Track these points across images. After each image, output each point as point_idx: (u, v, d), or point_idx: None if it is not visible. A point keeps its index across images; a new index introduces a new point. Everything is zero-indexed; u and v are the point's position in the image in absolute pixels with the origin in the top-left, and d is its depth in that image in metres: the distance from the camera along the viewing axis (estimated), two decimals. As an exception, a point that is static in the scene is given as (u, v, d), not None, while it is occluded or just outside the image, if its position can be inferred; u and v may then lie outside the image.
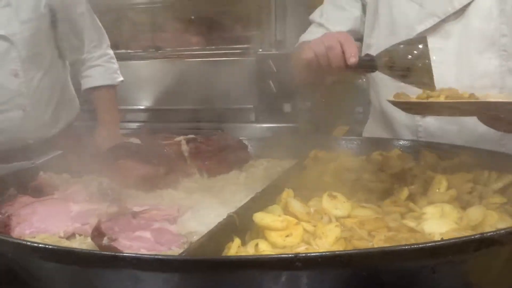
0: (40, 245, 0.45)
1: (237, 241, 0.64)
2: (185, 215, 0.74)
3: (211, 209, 0.80)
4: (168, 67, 2.14)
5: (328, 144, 1.21)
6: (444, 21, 1.13)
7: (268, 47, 2.03)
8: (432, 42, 1.14)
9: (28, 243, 0.47)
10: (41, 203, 0.77)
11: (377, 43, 1.25)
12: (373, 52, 1.24)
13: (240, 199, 0.86)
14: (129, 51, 2.28)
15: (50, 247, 0.44)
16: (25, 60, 1.39)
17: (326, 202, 0.81)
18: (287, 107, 1.90)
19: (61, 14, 1.48)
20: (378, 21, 1.25)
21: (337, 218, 0.77)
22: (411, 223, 0.74)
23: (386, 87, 1.21)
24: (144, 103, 2.19)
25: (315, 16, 1.32)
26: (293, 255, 0.41)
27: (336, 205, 0.81)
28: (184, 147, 1.03)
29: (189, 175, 1.01)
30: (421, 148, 1.05)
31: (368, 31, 1.28)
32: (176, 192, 0.92)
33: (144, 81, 2.23)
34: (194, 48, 2.19)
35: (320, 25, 1.29)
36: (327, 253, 0.44)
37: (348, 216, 0.79)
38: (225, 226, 0.66)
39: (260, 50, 2.00)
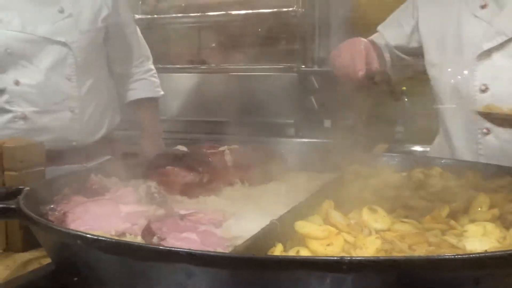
0: (101, 238, 0.49)
1: (279, 247, 0.66)
2: (228, 221, 0.77)
3: (254, 217, 0.83)
4: (211, 81, 2.19)
5: (368, 160, 1.22)
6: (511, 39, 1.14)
7: (310, 64, 2.06)
8: (499, 60, 1.15)
9: (90, 236, 0.50)
10: (93, 203, 0.82)
11: (442, 62, 1.27)
12: (438, 71, 1.27)
13: (281, 208, 0.88)
14: (176, 66, 2.36)
15: (111, 240, 0.48)
16: (80, 66, 1.51)
17: (366, 215, 0.83)
18: (327, 123, 1.92)
19: (114, 29, 1.61)
20: (443, 39, 1.27)
21: (377, 231, 0.79)
22: (452, 240, 0.74)
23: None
24: (187, 115, 2.25)
25: (380, 26, 1.43)
26: (339, 258, 0.43)
27: (376, 219, 0.82)
28: (228, 157, 1.07)
29: (231, 184, 1.04)
30: (464, 167, 1.05)
31: (431, 50, 1.31)
32: (218, 199, 0.95)
33: (187, 93, 2.29)
34: (239, 64, 2.24)
35: (381, 36, 1.39)
36: (372, 257, 0.45)
37: (388, 230, 0.80)
38: (268, 232, 0.68)
39: (303, 66, 2.03)
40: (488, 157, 1.17)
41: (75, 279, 0.50)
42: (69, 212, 0.78)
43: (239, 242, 0.70)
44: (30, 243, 0.97)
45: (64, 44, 1.47)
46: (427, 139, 2.38)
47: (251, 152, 1.10)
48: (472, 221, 0.82)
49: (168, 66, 2.25)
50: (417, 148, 2.25)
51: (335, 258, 0.43)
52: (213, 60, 2.29)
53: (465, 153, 1.23)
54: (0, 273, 0.87)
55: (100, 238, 0.49)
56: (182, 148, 1.04)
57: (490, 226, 0.78)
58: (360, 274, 0.44)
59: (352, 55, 1.21)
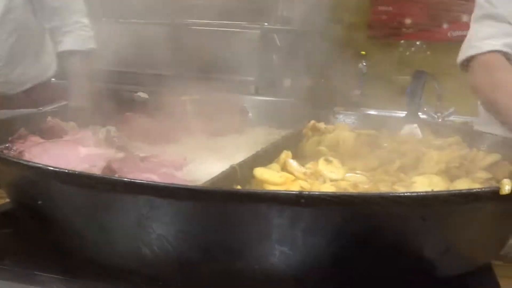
0: (65, 170, 0.49)
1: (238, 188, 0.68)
2: (189, 166, 0.78)
3: (214, 163, 0.84)
4: (173, 33, 2.15)
5: (325, 117, 1.25)
6: None
7: (273, 22, 2.05)
8: None
9: (53, 168, 0.50)
10: (51, 144, 0.81)
11: None
12: None
13: (241, 157, 0.90)
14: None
15: (76, 171, 0.48)
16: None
17: (322, 166, 0.86)
18: (287, 82, 1.93)
19: None
20: None
21: (331, 181, 0.82)
22: (402, 189, 0.79)
23: None
24: (145, 68, 2.20)
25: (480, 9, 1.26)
26: (298, 192, 0.45)
27: (331, 169, 0.85)
28: (188, 106, 1.07)
29: (190, 134, 1.05)
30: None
31: None
32: (178, 147, 0.96)
33: (146, 46, 2.24)
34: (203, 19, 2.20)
35: (490, 16, 1.24)
36: (329, 192, 0.48)
37: (342, 180, 0.83)
38: (228, 176, 0.70)
39: (266, 24, 2.02)
40: None
41: (39, 202, 0.50)
42: (25, 152, 0.77)
43: (197, 184, 0.72)
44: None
45: None
46: (382, 104, 2.46)
47: (212, 103, 1.11)
48: (421, 174, 0.87)
49: (132, 20, 2.19)
50: (372, 112, 2.31)
51: (295, 192, 0.45)
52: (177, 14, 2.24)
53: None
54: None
55: (64, 170, 0.49)
56: (143, 95, 1.03)
57: (436, 179, 0.83)
58: (316, 209, 0.46)
59: None
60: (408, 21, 2.82)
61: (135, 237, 0.52)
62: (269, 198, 0.46)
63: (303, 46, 2.13)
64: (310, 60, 2.12)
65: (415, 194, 0.48)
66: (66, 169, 0.50)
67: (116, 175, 0.65)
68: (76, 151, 0.81)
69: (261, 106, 1.37)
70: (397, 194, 0.46)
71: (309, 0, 2.05)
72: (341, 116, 1.24)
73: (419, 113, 1.14)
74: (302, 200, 0.45)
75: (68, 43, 1.78)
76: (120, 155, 0.80)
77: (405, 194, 0.47)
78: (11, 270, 0.58)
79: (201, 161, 0.85)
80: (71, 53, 1.79)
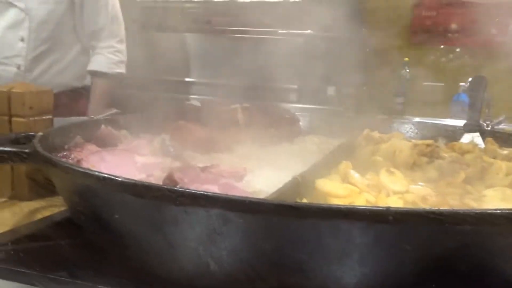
0: (134, 181, 0.47)
1: (304, 201, 0.65)
2: (248, 176, 0.76)
3: (272, 173, 0.82)
4: (216, 42, 2.15)
5: (377, 125, 1.21)
6: None
7: (317, 29, 2.02)
8: None
9: (123, 178, 0.48)
10: (108, 152, 0.80)
11: None
12: None
13: (297, 167, 0.88)
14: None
15: (145, 183, 0.46)
16: (34, 31, 1.77)
17: (384, 177, 0.82)
18: (330, 90, 1.90)
19: (79, 2, 1.83)
20: None
21: (395, 193, 0.78)
22: (473, 203, 0.74)
23: None
24: (190, 75, 2.20)
25: None
26: (385, 208, 0.42)
27: (394, 181, 0.81)
28: (240, 115, 1.05)
29: (241, 143, 1.03)
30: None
31: None
32: (231, 157, 0.94)
33: (191, 54, 2.25)
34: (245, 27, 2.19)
35: None
36: (419, 209, 0.44)
37: (406, 192, 0.79)
38: (291, 188, 0.67)
39: (310, 30, 2.00)
40: None
41: (116, 217, 0.48)
42: (83, 160, 0.76)
43: (261, 196, 0.69)
44: (36, 192, 0.95)
45: (22, 9, 1.72)
46: (427, 111, 2.39)
47: (263, 111, 1.08)
48: (489, 186, 0.82)
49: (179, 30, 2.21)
50: (417, 120, 2.25)
51: (382, 208, 0.42)
52: (219, 21, 2.24)
53: None
54: (8, 219, 0.85)
55: (133, 180, 0.48)
56: (195, 103, 1.02)
57: (509, 191, 0.78)
58: (404, 225, 0.43)
59: None
60: (453, 26, 2.74)
61: (205, 252, 0.49)
62: (354, 214, 0.42)
63: (346, 53, 2.09)
64: (353, 67, 2.08)
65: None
66: (140, 181, 0.48)
67: (178, 186, 0.63)
68: (132, 160, 0.80)
69: (307, 115, 1.34)
70: (496, 212, 0.42)
71: (351, 6, 2.01)
72: (395, 124, 1.20)
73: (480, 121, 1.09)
74: (390, 217, 0.42)
75: (96, 64, 1.88)
76: (176, 164, 0.78)
77: (502, 211, 0.43)
78: (70, 281, 0.57)
79: (257, 171, 0.82)
80: (96, 73, 1.88)
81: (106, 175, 0.49)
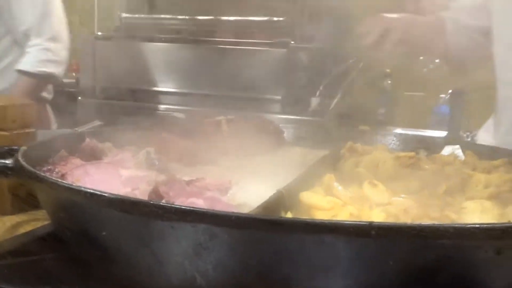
0: (121, 197, 0.47)
1: (289, 215, 0.66)
2: (232, 189, 0.76)
3: (256, 186, 0.83)
4: (198, 52, 2.16)
5: (359, 137, 1.22)
6: None
7: (300, 40, 2.04)
8: None
9: (109, 194, 0.49)
10: (92, 166, 0.79)
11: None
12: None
13: (280, 179, 0.88)
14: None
15: (132, 198, 0.47)
16: None
17: (367, 189, 0.83)
18: (314, 101, 1.92)
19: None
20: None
21: (377, 205, 0.79)
22: (453, 215, 0.76)
23: None
24: (170, 86, 2.20)
25: None
26: (368, 223, 0.43)
27: (377, 193, 0.83)
28: (224, 127, 1.06)
29: (226, 154, 1.03)
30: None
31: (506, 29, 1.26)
32: (216, 169, 0.94)
33: (172, 65, 2.25)
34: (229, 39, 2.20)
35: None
36: (401, 223, 0.45)
37: (388, 204, 0.81)
38: (276, 200, 0.68)
39: (292, 42, 2.02)
40: None
41: (103, 233, 0.48)
42: (67, 174, 0.76)
43: (246, 209, 0.70)
44: (18, 206, 0.94)
45: None
46: (408, 122, 2.42)
47: (247, 123, 1.09)
48: (469, 198, 0.84)
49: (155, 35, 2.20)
50: (399, 130, 2.28)
51: (365, 222, 0.43)
52: (201, 32, 2.25)
53: None
54: (-10, 234, 0.84)
55: (120, 196, 0.48)
56: (178, 115, 1.02)
57: (487, 204, 0.80)
58: (387, 240, 0.44)
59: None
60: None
61: (191, 267, 0.49)
62: (338, 229, 0.43)
63: (329, 64, 2.12)
64: (336, 78, 2.11)
65: (491, 226, 0.45)
66: (128, 197, 0.48)
67: (164, 201, 0.63)
68: (117, 174, 0.80)
69: (291, 126, 1.35)
70: (474, 226, 0.43)
71: (335, 17, 2.04)
72: (378, 136, 1.22)
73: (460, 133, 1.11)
74: (373, 232, 0.43)
75: (22, 63, 1.84)
76: (162, 177, 0.78)
77: (481, 226, 0.44)
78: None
79: (242, 184, 0.83)
80: (20, 72, 1.83)
81: (92, 191, 0.49)
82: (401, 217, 0.72)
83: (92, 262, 0.57)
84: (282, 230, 0.43)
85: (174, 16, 2.28)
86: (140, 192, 0.76)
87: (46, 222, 0.85)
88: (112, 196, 0.48)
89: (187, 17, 2.30)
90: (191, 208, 0.45)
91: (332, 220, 0.45)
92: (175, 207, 0.45)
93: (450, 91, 1.46)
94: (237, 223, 0.43)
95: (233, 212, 0.46)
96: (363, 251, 0.45)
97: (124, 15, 2.32)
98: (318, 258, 0.46)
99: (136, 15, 2.33)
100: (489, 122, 1.38)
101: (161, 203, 0.45)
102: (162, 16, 2.32)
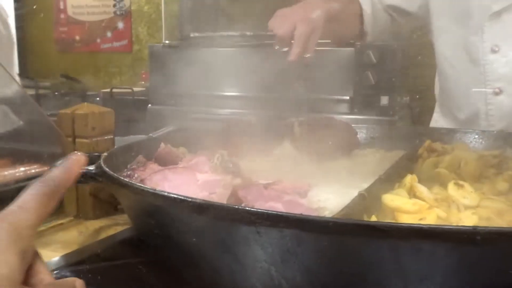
0: (212, 203, 0.47)
1: (374, 218, 0.63)
2: (311, 191, 0.74)
3: (333, 189, 0.80)
4: (265, 55, 2.15)
5: (437, 136, 1.17)
6: None
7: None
8: (510, 20, 1.13)
9: (200, 201, 0.48)
10: (170, 171, 0.80)
11: (450, 25, 1.26)
12: (446, 36, 1.24)
13: (358, 182, 0.85)
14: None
15: (224, 205, 0.46)
16: None
17: (453, 190, 0.78)
18: (384, 100, 1.86)
19: None
20: (451, 2, 1.25)
21: (466, 208, 0.74)
22: (554, 218, 0.69)
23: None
24: (238, 90, 2.22)
25: None
26: (472, 227, 0.39)
27: (464, 195, 0.78)
28: (297, 129, 1.04)
29: (300, 157, 1.01)
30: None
31: (439, 13, 1.28)
32: (291, 171, 0.93)
33: (237, 68, 2.26)
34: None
35: None
36: (507, 228, 0.42)
37: (477, 207, 0.75)
38: (358, 204, 0.65)
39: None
40: (499, 117, 1.20)
41: (188, 239, 0.48)
42: (146, 180, 0.77)
43: (327, 213, 0.68)
44: (100, 211, 0.97)
45: None
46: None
47: (320, 125, 1.07)
48: None
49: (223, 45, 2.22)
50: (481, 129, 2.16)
51: (468, 227, 0.40)
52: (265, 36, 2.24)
53: (472, 119, 1.25)
54: (75, 238, 0.87)
55: (210, 203, 0.47)
56: (251, 118, 1.02)
57: None
58: (493, 246, 0.40)
59: (291, 35, 1.12)
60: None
61: (277, 273, 0.48)
62: (436, 234, 0.40)
63: (398, 62, 2.04)
64: (406, 76, 2.03)
65: None
66: (214, 202, 0.48)
67: (243, 204, 0.62)
68: (194, 178, 0.80)
69: (363, 126, 1.31)
70: None
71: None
72: (458, 134, 1.16)
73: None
74: (478, 238, 0.39)
75: None
76: (237, 181, 0.78)
77: None
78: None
79: (318, 187, 0.81)
80: None
81: (182, 197, 0.48)
82: (496, 220, 0.67)
83: (177, 267, 0.57)
84: (377, 235, 0.41)
85: (236, 33, 2.28)
86: (217, 196, 0.76)
87: (127, 226, 0.87)
88: (200, 202, 0.47)
89: (249, 33, 2.29)
90: (279, 213, 0.44)
91: (431, 225, 0.42)
92: (263, 212, 0.43)
93: None
94: (329, 228, 0.41)
95: (324, 217, 0.44)
96: (465, 259, 0.42)
97: (191, 34, 2.35)
98: (413, 266, 0.43)
99: (203, 34, 2.35)
100: None
101: (251, 209, 0.44)
102: (225, 33, 2.33)
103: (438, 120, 1.42)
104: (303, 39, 1.11)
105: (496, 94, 1.21)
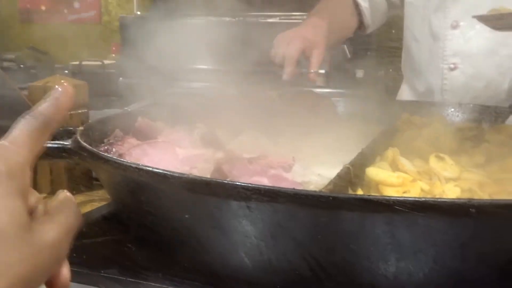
0: (195, 177, 0.45)
1: (360, 192, 0.62)
2: (295, 166, 0.73)
3: (316, 162, 0.79)
4: (237, 28, 2.11)
5: (415, 109, 1.17)
6: None
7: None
8: None
9: (179, 174, 0.46)
10: (149, 145, 0.78)
11: (412, 2, 1.30)
12: (412, 10, 1.26)
13: (339, 156, 0.85)
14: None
15: (207, 179, 0.44)
16: None
17: (434, 163, 0.79)
18: (359, 73, 1.86)
19: None
20: None
21: (447, 180, 0.75)
22: (533, 189, 0.71)
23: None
24: (213, 64, 2.17)
25: None
26: (467, 200, 0.39)
27: (445, 167, 0.78)
28: (276, 102, 1.02)
29: (281, 130, 1.00)
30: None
31: None
32: (273, 146, 0.91)
33: (215, 41, 2.21)
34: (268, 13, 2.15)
35: None
36: (503, 200, 0.42)
37: (458, 179, 0.76)
38: (343, 177, 0.64)
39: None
40: (453, 92, 1.24)
41: (173, 215, 0.46)
42: (125, 154, 0.74)
43: (311, 187, 0.67)
44: (75, 188, 0.94)
45: None
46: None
47: (299, 98, 1.06)
48: (544, 171, 0.78)
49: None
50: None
51: (463, 200, 0.39)
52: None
53: (430, 92, 1.29)
54: (50, 216, 0.84)
55: (194, 177, 0.46)
56: (231, 90, 1.00)
57: None
58: (487, 219, 0.40)
59: (284, 54, 1.15)
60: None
61: (267, 249, 0.47)
62: (431, 207, 0.40)
63: (373, 36, 2.04)
64: (381, 49, 2.03)
65: None
66: (213, 179, 0.46)
67: (228, 179, 0.61)
68: (174, 153, 0.78)
69: (340, 99, 1.31)
70: None
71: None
72: (435, 107, 1.16)
73: None
74: (473, 210, 0.39)
75: None
76: (220, 155, 0.76)
77: None
78: (123, 280, 0.55)
79: (301, 161, 0.80)
80: None
81: (172, 173, 0.47)
82: (478, 193, 0.67)
83: (161, 243, 0.56)
84: (374, 209, 0.40)
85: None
86: (198, 170, 0.74)
87: (103, 203, 0.85)
88: (192, 177, 0.46)
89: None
90: (275, 188, 0.42)
91: (426, 198, 0.41)
92: (257, 187, 0.42)
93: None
94: (324, 203, 0.40)
95: (322, 192, 0.43)
96: (459, 231, 0.42)
97: (164, 5, 2.27)
98: (407, 240, 0.43)
99: (177, 5, 2.28)
100: None
101: (245, 184, 0.42)
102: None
103: (403, 93, 1.46)
104: (294, 56, 1.11)
105: (451, 69, 1.24)
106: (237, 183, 0.44)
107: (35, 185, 0.94)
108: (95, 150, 0.61)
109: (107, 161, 0.56)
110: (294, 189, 0.42)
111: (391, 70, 2.36)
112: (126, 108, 1.03)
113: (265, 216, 0.44)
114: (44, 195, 0.94)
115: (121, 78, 2.26)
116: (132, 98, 1.60)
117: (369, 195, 0.51)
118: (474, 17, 0.92)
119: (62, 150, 0.71)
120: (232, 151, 0.76)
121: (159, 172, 0.47)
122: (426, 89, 1.32)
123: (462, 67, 1.24)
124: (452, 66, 1.24)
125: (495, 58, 1.20)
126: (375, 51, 1.91)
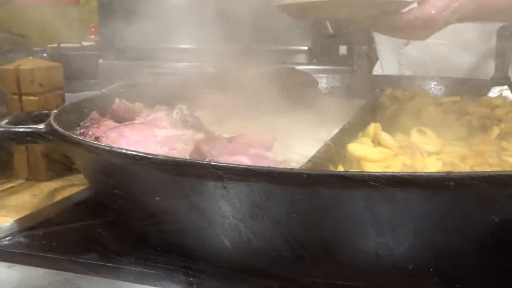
0: (172, 158, 0.43)
1: (341, 168, 0.61)
2: (276, 144, 0.72)
3: (297, 140, 0.79)
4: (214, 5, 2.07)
5: (397, 83, 1.17)
6: None
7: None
8: None
9: (154, 156, 0.45)
10: (126, 127, 0.76)
11: None
12: None
13: (321, 132, 0.84)
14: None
15: (185, 160, 0.43)
16: None
17: (416, 137, 0.78)
18: (342, 49, 1.84)
19: None
20: None
21: (429, 154, 0.75)
22: (512, 160, 0.71)
23: None
24: (192, 43, 2.14)
25: None
26: (445, 173, 0.38)
27: (427, 141, 0.78)
28: (257, 80, 1.00)
29: (262, 109, 0.99)
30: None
31: None
32: (253, 125, 0.90)
33: (192, 19, 2.17)
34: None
35: None
36: (481, 172, 0.41)
37: (440, 152, 0.76)
38: (324, 154, 0.63)
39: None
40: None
41: (150, 197, 0.45)
42: (102, 137, 0.72)
43: (292, 164, 0.66)
44: (53, 172, 0.92)
45: None
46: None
47: (280, 76, 1.04)
48: (526, 142, 0.78)
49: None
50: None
51: (441, 173, 0.38)
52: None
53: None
54: (28, 201, 0.83)
55: (174, 159, 0.44)
56: (209, 69, 0.98)
57: (549, 145, 0.74)
58: (466, 192, 0.40)
59: None
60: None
61: (246, 229, 0.46)
62: (410, 182, 0.39)
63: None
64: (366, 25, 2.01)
65: None
66: (182, 159, 0.45)
67: (207, 159, 0.60)
68: (153, 134, 0.76)
69: (323, 76, 1.29)
70: None
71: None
72: (418, 81, 1.16)
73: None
74: (451, 183, 0.38)
75: None
76: (199, 135, 0.75)
77: None
78: (102, 265, 0.54)
79: (282, 139, 0.79)
80: None
81: (143, 154, 0.45)
82: (460, 165, 0.67)
83: (139, 227, 0.54)
84: (351, 185, 0.39)
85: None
86: (178, 151, 0.72)
87: (82, 187, 0.83)
88: (165, 159, 0.44)
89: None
90: (248, 167, 0.41)
91: (404, 172, 0.41)
92: (230, 166, 0.41)
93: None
94: (302, 180, 0.39)
95: (297, 169, 0.42)
96: (438, 205, 0.41)
97: None
98: (386, 215, 0.42)
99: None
100: None
101: (219, 163, 0.41)
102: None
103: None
104: None
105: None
106: (211, 162, 0.42)
107: (12, 171, 0.92)
108: (67, 133, 0.59)
109: (78, 143, 0.54)
110: (268, 167, 0.41)
111: (374, 45, 2.35)
112: (103, 90, 1.01)
113: (242, 196, 0.43)
114: (22, 181, 0.92)
115: (101, 60, 2.22)
116: (113, 80, 1.57)
117: (344, 171, 0.50)
118: (275, 6, 0.94)
119: (36, 135, 0.69)
120: (213, 132, 0.75)
121: (129, 153, 0.46)
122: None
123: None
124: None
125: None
126: (358, 26, 1.88)
